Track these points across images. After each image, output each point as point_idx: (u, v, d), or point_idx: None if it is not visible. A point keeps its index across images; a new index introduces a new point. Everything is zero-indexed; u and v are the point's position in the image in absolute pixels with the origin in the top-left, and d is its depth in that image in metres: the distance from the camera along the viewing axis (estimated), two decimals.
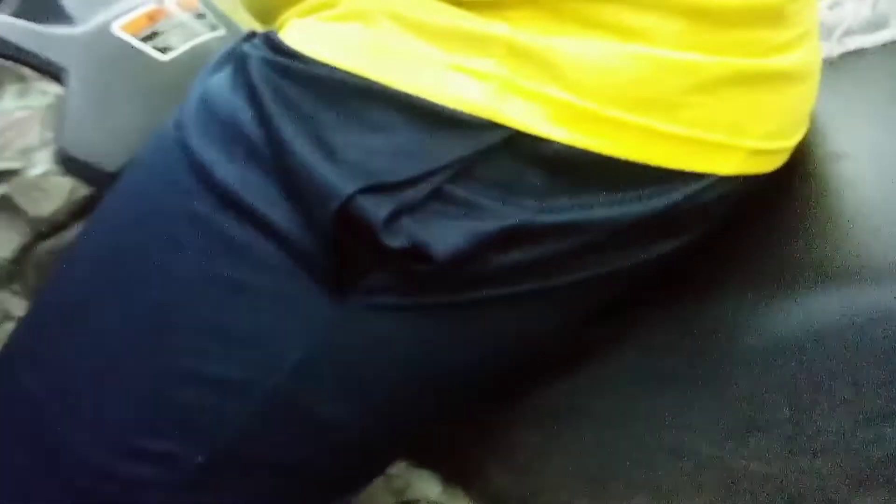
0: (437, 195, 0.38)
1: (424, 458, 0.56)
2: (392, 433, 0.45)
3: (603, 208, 0.39)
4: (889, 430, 0.40)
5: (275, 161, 0.39)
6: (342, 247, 0.38)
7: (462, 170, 0.38)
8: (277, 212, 0.39)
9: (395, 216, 0.37)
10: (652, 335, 0.47)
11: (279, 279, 0.39)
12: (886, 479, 0.41)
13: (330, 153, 0.38)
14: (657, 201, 0.39)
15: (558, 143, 0.38)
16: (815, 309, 0.42)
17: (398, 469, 0.56)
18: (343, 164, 0.37)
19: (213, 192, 0.40)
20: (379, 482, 0.56)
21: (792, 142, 0.45)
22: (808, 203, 0.46)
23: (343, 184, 0.37)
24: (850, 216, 0.44)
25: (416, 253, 0.37)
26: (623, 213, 0.39)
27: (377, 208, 0.37)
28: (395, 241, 0.37)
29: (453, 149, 0.37)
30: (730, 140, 0.40)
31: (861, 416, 0.41)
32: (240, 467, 0.41)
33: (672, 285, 0.46)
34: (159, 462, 0.40)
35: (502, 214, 0.38)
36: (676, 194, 0.40)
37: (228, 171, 0.39)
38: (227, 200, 0.39)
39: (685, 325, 0.46)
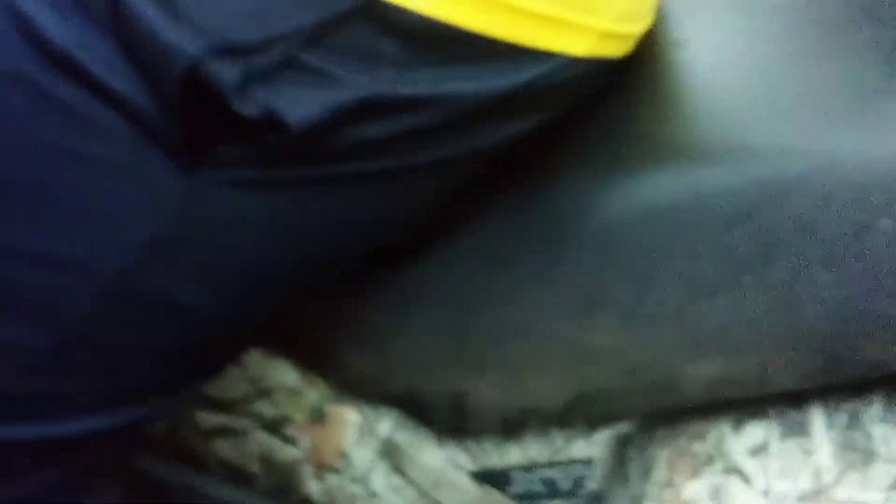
0: (289, 63, 0.36)
1: (279, 346, 0.56)
2: (247, 315, 0.44)
3: (459, 83, 0.39)
4: (721, 301, 0.43)
5: (113, 20, 0.36)
6: (190, 115, 0.36)
7: (315, 37, 0.36)
8: (117, 76, 0.36)
9: (246, 82, 0.36)
10: (499, 217, 0.48)
11: (122, 150, 0.37)
12: (719, 347, 0.44)
13: (173, 11, 0.35)
14: (512, 78, 0.40)
15: (415, 12, 0.37)
16: (653, 188, 0.44)
17: (253, 358, 0.56)
18: (188, 22, 0.35)
19: (41, 51, 0.36)
20: (234, 372, 0.55)
21: (640, 27, 0.46)
22: (650, 87, 0.47)
23: (189, 44, 0.35)
24: (689, 100, 0.46)
25: (270, 122, 0.36)
26: (478, 88, 0.39)
27: (227, 73, 0.35)
28: (247, 109, 0.36)
29: (306, 12, 0.36)
30: (582, 18, 0.41)
31: (696, 290, 0.43)
32: (88, 351, 0.40)
33: (517, 168, 0.47)
34: (3, 350, 0.38)
35: (358, 84, 0.37)
36: (530, 72, 0.40)
37: (60, 30, 0.36)
38: (60, 62, 0.36)
39: (530, 207, 0.47)
